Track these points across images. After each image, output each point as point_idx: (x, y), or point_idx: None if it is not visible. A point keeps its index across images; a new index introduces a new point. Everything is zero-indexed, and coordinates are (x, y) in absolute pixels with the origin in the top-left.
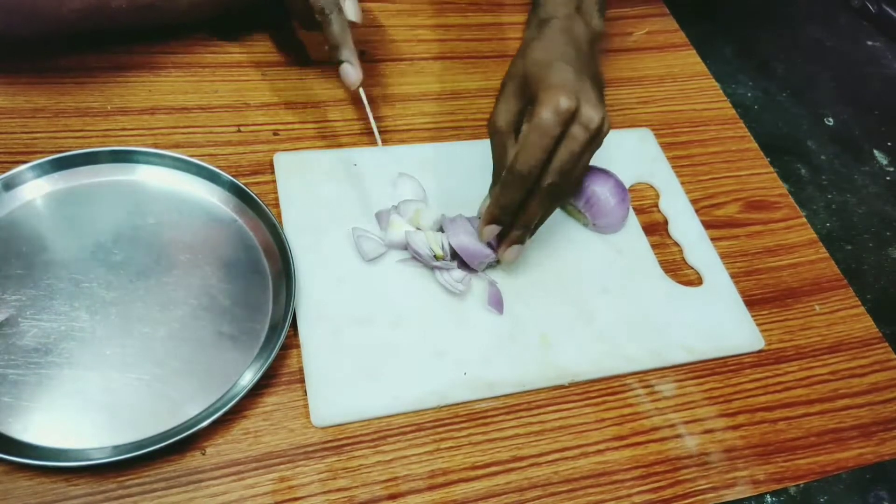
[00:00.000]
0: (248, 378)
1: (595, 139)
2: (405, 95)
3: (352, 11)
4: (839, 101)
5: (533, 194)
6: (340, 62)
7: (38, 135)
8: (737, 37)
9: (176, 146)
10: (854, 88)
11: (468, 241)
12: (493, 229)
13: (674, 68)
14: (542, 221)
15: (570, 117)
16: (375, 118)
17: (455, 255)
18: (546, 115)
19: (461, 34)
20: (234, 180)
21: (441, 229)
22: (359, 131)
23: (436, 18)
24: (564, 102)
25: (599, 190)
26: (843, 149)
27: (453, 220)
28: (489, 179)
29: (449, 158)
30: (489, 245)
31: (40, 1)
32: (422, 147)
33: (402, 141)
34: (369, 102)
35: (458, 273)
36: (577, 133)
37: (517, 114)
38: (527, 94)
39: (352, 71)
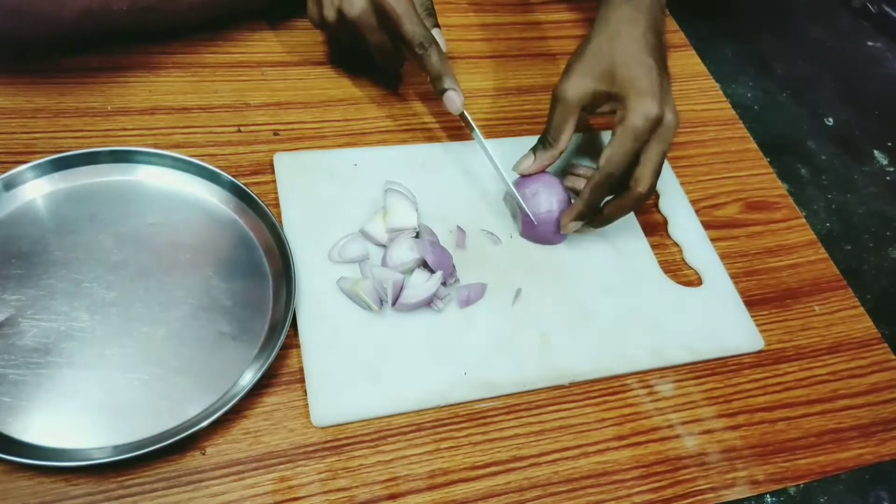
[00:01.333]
0: (248, 378)
1: (671, 141)
2: (407, 95)
3: (442, 42)
4: (839, 102)
5: (624, 198)
6: (444, 90)
7: (39, 135)
8: (737, 37)
9: (176, 146)
10: (854, 89)
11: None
12: (577, 225)
13: (674, 69)
14: (611, 217)
15: (658, 123)
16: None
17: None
18: (639, 122)
19: (463, 35)
20: (235, 180)
21: (417, 235)
22: (359, 131)
23: (456, 18)
24: (654, 110)
25: (545, 200)
26: (843, 149)
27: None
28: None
29: (451, 159)
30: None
31: (41, 4)
32: (423, 147)
33: (403, 142)
34: (475, 124)
35: (417, 288)
36: (664, 136)
37: (591, 93)
38: (610, 85)
39: (456, 98)
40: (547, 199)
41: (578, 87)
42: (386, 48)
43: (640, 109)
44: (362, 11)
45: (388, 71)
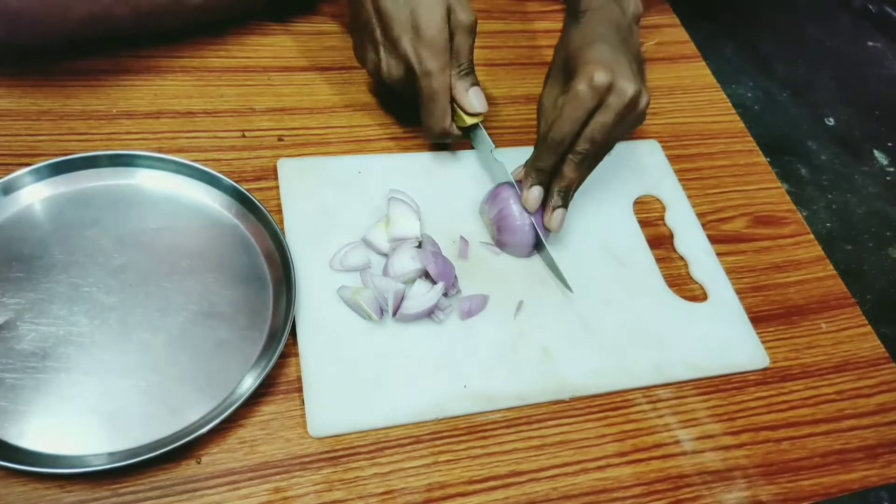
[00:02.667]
0: (246, 386)
1: (630, 111)
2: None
3: (479, 100)
4: (839, 102)
5: (565, 160)
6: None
7: (43, 137)
8: (737, 37)
9: (180, 150)
10: (854, 89)
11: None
12: (536, 191)
13: (684, 80)
14: (576, 187)
15: (606, 90)
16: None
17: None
18: (581, 87)
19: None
20: (236, 185)
21: (420, 244)
22: (364, 138)
23: None
24: (600, 76)
25: (515, 207)
26: (844, 149)
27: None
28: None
29: (456, 168)
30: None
31: (44, 10)
32: (428, 155)
33: (407, 149)
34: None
35: (420, 298)
36: (613, 103)
37: (560, 94)
38: (567, 73)
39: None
40: (518, 208)
41: (550, 93)
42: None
43: (584, 75)
44: (399, 77)
45: None
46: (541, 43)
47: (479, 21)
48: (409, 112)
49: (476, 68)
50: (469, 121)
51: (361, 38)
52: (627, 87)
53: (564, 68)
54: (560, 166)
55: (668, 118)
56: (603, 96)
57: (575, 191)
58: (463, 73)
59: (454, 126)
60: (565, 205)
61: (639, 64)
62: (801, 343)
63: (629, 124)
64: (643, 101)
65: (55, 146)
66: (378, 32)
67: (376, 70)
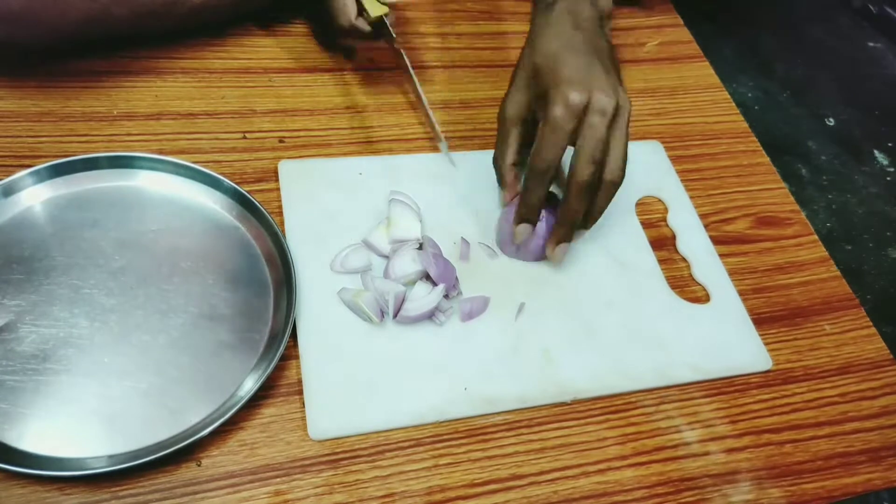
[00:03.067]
0: (247, 388)
1: (616, 121)
2: (414, 104)
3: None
4: (839, 102)
5: (569, 191)
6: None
7: (44, 139)
8: (737, 37)
9: (181, 152)
10: (854, 89)
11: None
12: (526, 228)
13: (687, 80)
14: (593, 215)
15: (583, 109)
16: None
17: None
18: (558, 112)
19: (472, 43)
20: (237, 187)
21: (420, 246)
22: (365, 139)
23: (446, 27)
24: (575, 97)
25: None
26: (844, 149)
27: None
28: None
29: (457, 169)
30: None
31: (42, 10)
32: (429, 157)
33: (408, 151)
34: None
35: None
36: (594, 121)
37: (526, 105)
38: (538, 87)
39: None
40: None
41: (514, 102)
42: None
43: (559, 99)
44: None
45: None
46: (510, 45)
47: (481, 23)
48: (411, 113)
49: (477, 70)
50: (377, 11)
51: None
52: (606, 101)
53: (533, 79)
54: (565, 198)
55: (670, 118)
56: (581, 116)
57: (591, 223)
58: None
59: (362, 20)
60: (568, 239)
61: (612, 63)
62: (805, 345)
63: (622, 134)
64: (626, 107)
65: (56, 148)
66: None
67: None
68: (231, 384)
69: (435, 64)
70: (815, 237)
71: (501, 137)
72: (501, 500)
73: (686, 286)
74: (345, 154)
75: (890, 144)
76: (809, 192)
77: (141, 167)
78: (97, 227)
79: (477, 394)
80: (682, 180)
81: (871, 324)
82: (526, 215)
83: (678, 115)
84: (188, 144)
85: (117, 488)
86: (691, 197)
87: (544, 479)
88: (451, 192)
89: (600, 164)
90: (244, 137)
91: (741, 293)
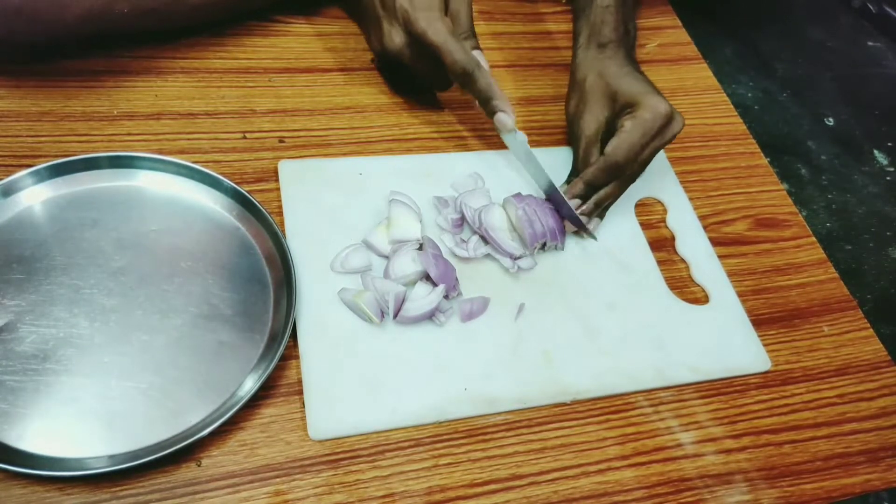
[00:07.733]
0: (247, 388)
1: (673, 137)
2: (412, 104)
3: (484, 62)
4: (839, 102)
5: (600, 165)
6: (494, 112)
7: (44, 138)
8: (737, 37)
9: (181, 152)
10: (854, 89)
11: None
12: (577, 203)
13: (686, 82)
14: (613, 202)
15: (666, 121)
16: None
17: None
18: (649, 116)
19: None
20: (237, 187)
21: (420, 247)
22: (365, 139)
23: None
24: (665, 107)
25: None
26: (843, 149)
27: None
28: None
29: (457, 170)
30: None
31: (42, 6)
32: (429, 157)
33: (408, 151)
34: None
35: (421, 301)
36: (668, 134)
37: (604, 122)
38: (617, 104)
39: (508, 120)
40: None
41: (593, 121)
42: (431, 75)
43: (651, 105)
44: (403, 45)
45: (438, 91)
46: (542, 45)
47: (481, 23)
48: (411, 114)
49: None
50: None
51: (367, 25)
52: (681, 121)
53: (610, 100)
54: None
55: None
56: (663, 125)
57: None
58: (463, 37)
59: (477, 54)
60: (603, 215)
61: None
62: (803, 346)
63: (659, 146)
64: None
65: (56, 147)
66: (378, 8)
67: (381, 45)
68: (231, 384)
69: None
70: (814, 239)
71: (585, 153)
72: (501, 500)
73: (685, 287)
74: (345, 154)
75: (890, 144)
76: (809, 191)
77: (141, 167)
78: (97, 227)
79: (477, 394)
80: (681, 182)
81: (868, 325)
82: (583, 193)
83: None
84: (188, 144)
85: (117, 488)
86: (690, 198)
87: (544, 480)
88: (451, 192)
89: (636, 163)
90: (244, 137)
91: (740, 294)
